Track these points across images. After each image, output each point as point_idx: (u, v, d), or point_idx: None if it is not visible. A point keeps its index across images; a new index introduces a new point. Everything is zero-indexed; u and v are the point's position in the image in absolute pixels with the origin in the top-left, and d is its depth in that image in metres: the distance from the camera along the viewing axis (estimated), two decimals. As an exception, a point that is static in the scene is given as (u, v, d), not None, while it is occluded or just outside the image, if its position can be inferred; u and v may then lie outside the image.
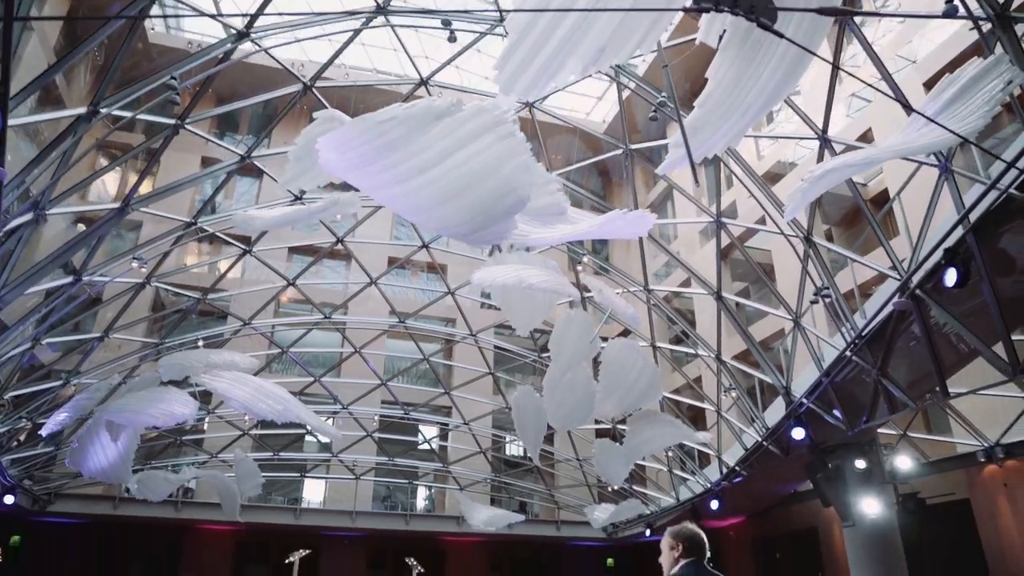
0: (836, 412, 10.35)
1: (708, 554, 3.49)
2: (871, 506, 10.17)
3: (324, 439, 21.74)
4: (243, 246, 12.26)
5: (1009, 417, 12.60)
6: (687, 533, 3.53)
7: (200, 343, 13.51)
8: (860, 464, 10.00)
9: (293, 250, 23.81)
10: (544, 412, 8.56)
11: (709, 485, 15.56)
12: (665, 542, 3.56)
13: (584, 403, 8.31)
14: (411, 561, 21.33)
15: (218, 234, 11.56)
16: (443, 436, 23.90)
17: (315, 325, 17.10)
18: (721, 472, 14.90)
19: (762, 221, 18.93)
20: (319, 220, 13.91)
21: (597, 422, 18.00)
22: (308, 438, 22.84)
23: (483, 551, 24.45)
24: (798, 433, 10.38)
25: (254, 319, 14.68)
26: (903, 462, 10.69)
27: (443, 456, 22.99)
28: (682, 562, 3.42)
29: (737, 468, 14.16)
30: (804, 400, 10.65)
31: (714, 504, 15.23)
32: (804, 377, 10.95)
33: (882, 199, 16.64)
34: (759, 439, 12.56)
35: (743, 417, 14.74)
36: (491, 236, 4.74)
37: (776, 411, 12.25)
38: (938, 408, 13.80)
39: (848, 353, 9.17)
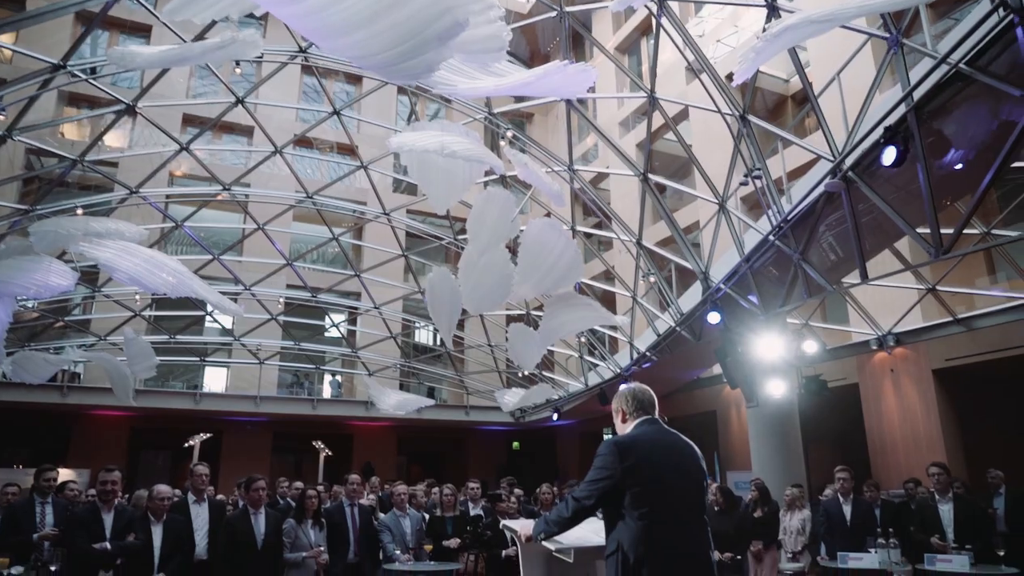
0: (752, 297, 10.48)
1: (657, 409, 3.26)
2: (777, 388, 10.53)
3: (226, 322, 20.73)
4: (127, 101, 10.81)
5: (903, 307, 13.31)
6: (629, 392, 3.29)
7: (79, 211, 12.13)
8: (769, 348, 10.24)
9: (188, 120, 21.80)
10: (459, 295, 8.17)
11: (619, 370, 15.88)
12: (613, 407, 3.34)
13: (501, 285, 7.94)
14: (318, 444, 21.21)
15: (91, 82, 10.04)
16: (352, 321, 23.35)
17: (213, 197, 15.76)
18: (632, 358, 15.17)
19: (686, 113, 18.70)
20: (216, 75, 12.48)
21: (509, 307, 17.89)
22: (208, 323, 21.78)
23: (391, 435, 24.67)
24: (714, 317, 10.47)
25: (143, 187, 13.27)
26: (810, 346, 11.07)
27: (351, 341, 22.55)
28: (633, 422, 3.18)
29: (648, 354, 14.43)
30: (722, 285, 10.72)
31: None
32: (723, 262, 10.98)
33: (805, 95, 16.58)
34: (673, 324, 12.72)
35: (657, 303, 14.92)
36: (419, 68, 4.02)
37: (691, 297, 12.37)
38: (837, 299, 14.40)
39: (771, 238, 9.14)
